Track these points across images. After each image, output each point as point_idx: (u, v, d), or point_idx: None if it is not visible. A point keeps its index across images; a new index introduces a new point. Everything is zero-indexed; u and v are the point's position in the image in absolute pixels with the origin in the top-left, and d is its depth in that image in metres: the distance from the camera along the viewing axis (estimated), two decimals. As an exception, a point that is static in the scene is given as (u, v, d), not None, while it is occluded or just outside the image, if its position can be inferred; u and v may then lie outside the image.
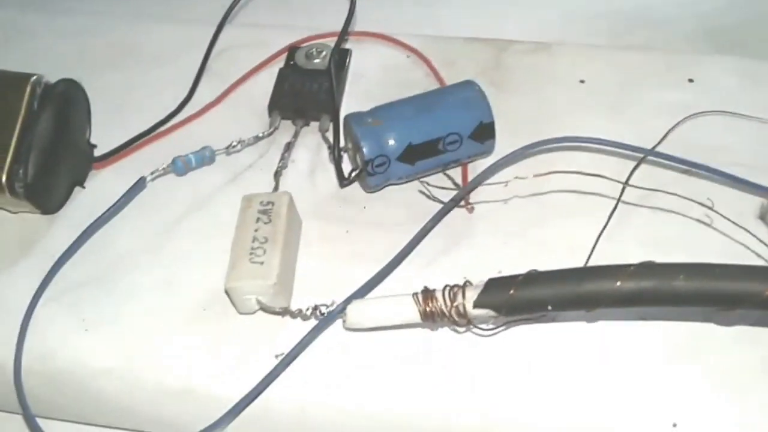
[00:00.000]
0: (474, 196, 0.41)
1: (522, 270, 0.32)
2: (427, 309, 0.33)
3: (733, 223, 0.37)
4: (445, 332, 0.36)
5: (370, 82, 0.48)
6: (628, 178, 0.39)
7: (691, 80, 0.47)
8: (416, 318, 0.33)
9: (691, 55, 0.49)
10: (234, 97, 0.48)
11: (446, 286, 0.33)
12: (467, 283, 0.33)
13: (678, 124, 0.43)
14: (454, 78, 0.44)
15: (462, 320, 0.33)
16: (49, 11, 0.55)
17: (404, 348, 0.36)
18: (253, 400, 0.34)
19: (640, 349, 0.35)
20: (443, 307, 0.33)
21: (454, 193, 0.41)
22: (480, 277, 0.33)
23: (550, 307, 0.31)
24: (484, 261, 0.38)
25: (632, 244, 0.38)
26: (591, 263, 0.36)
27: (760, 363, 0.35)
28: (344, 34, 0.44)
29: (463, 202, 0.41)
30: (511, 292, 0.32)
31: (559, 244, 0.39)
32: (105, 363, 0.36)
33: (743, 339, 0.35)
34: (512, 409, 0.34)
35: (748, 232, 0.37)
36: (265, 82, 0.47)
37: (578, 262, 0.36)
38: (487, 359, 0.35)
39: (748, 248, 0.37)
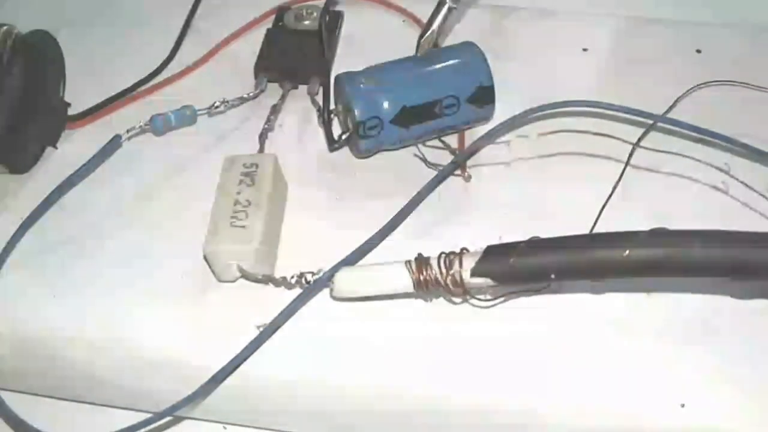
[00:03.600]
0: (472, 165, 0.39)
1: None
2: (421, 277, 0.31)
3: (752, 189, 0.35)
4: (439, 303, 0.33)
5: (362, 46, 0.46)
6: (639, 141, 0.36)
7: (698, 51, 0.45)
8: (409, 287, 0.31)
9: (699, 26, 0.46)
10: (219, 58, 0.45)
11: (442, 253, 0.31)
12: (464, 251, 0.31)
13: (687, 92, 0.40)
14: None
15: (458, 290, 0.31)
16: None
17: (395, 320, 0.33)
18: (231, 372, 0.32)
19: (647, 325, 0.33)
20: (438, 276, 0.31)
21: (450, 159, 0.38)
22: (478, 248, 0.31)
23: (553, 276, 0.29)
24: (482, 231, 0.36)
25: (642, 211, 0.36)
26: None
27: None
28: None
29: (459, 171, 0.39)
30: (512, 259, 0.30)
31: (563, 212, 0.37)
32: (74, 332, 0.33)
33: (760, 312, 0.33)
34: (511, 387, 0.32)
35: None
36: (253, 43, 0.45)
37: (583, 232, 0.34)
38: (485, 333, 0.33)
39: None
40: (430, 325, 0.33)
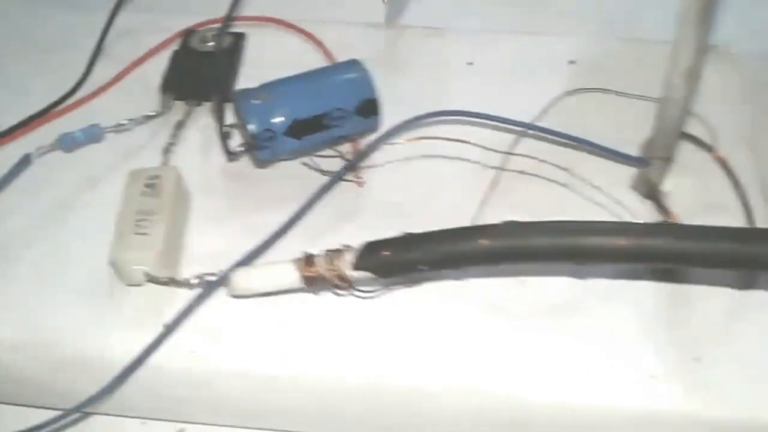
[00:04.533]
0: (367, 171, 0.43)
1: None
2: (308, 274, 0.34)
3: (595, 187, 0.39)
4: (328, 296, 0.37)
5: (264, 65, 0.49)
6: (510, 149, 0.41)
7: (572, 61, 0.49)
8: (298, 283, 0.34)
9: (574, 37, 0.51)
10: (129, 80, 0.48)
11: (327, 250, 0.34)
12: (346, 247, 0.34)
13: (555, 100, 0.45)
14: (347, 61, 0.46)
15: (343, 284, 0.34)
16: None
17: (289, 312, 0.36)
18: (138, 366, 0.34)
19: (520, 308, 0.37)
20: (323, 272, 0.34)
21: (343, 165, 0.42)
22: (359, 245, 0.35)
23: (423, 268, 0.33)
24: (373, 231, 0.39)
25: (509, 208, 0.40)
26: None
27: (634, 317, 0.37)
28: (229, 18, 0.44)
29: (353, 177, 0.42)
30: (388, 253, 0.33)
31: (445, 212, 0.40)
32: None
33: (613, 293, 0.37)
34: (398, 370, 0.35)
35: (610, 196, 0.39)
36: (162, 65, 0.48)
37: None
38: (371, 321, 0.36)
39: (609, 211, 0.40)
40: (320, 317, 0.36)
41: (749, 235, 0.33)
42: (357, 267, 0.34)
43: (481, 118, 0.41)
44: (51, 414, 0.35)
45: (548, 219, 0.33)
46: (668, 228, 0.34)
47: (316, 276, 0.34)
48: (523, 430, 0.36)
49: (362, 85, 0.42)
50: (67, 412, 0.34)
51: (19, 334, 0.36)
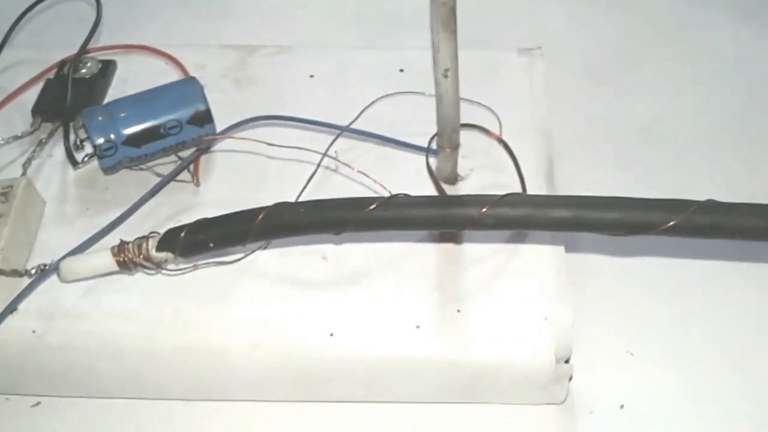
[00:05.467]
0: (203, 173, 0.49)
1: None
2: (120, 258, 0.40)
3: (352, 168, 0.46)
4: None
5: (130, 87, 0.55)
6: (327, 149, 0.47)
7: (402, 70, 0.56)
8: (114, 267, 0.41)
9: (404, 50, 0.57)
10: (9, 108, 0.54)
11: (136, 238, 0.41)
12: (152, 233, 0.41)
13: (372, 103, 0.51)
14: (204, 79, 0.52)
15: (150, 264, 0.40)
16: None
17: (113, 292, 0.43)
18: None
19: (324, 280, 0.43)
20: (133, 256, 0.40)
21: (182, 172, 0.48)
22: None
23: (211, 245, 0.39)
24: None
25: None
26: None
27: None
28: (84, 46, 0.51)
29: (190, 178, 0.48)
30: (182, 235, 0.39)
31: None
32: None
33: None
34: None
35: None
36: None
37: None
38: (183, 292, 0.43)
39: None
40: (134, 292, 0.43)
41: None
42: (159, 249, 0.40)
43: (299, 121, 0.48)
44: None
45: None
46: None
47: (126, 260, 0.40)
48: (311, 380, 0.42)
49: (194, 98, 0.48)
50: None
51: None
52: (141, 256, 0.40)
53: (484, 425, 0.43)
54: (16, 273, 0.43)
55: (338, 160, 0.46)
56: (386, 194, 0.41)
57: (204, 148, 0.48)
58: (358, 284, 0.43)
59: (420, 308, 0.42)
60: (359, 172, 0.45)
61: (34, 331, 0.42)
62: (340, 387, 0.43)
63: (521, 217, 0.38)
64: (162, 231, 0.44)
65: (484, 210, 0.37)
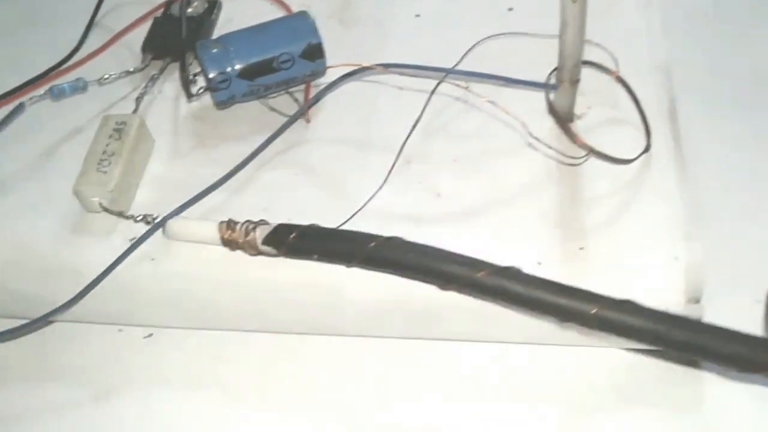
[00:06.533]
0: (314, 110, 0.48)
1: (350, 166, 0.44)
2: (226, 236, 0.40)
3: (488, 101, 0.45)
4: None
5: (235, 26, 0.54)
6: (433, 91, 0.46)
7: (510, 9, 0.54)
8: (219, 242, 0.41)
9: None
10: (118, 46, 0.55)
11: (247, 221, 0.40)
12: (261, 222, 0.40)
13: (475, 45, 0.49)
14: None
15: (252, 251, 0.40)
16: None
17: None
18: (107, 275, 0.41)
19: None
20: (238, 239, 0.40)
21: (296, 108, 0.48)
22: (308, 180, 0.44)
23: (315, 257, 0.39)
24: (318, 161, 0.46)
25: (438, 131, 0.46)
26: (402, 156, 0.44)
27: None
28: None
29: (304, 116, 0.48)
30: (291, 237, 0.39)
31: (380, 142, 0.46)
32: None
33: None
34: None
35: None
36: (146, 32, 0.54)
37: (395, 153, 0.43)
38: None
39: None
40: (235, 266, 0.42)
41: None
42: (264, 242, 0.40)
43: (414, 68, 0.47)
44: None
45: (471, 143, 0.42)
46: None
47: (231, 240, 0.40)
48: (424, 318, 0.42)
49: (307, 32, 0.48)
50: (46, 316, 0.41)
51: (4, 252, 0.43)
52: (246, 242, 0.40)
53: (605, 368, 0.41)
54: (122, 216, 0.43)
55: (469, 91, 0.45)
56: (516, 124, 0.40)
57: (327, 87, 0.47)
58: (475, 220, 0.42)
59: (541, 245, 0.40)
60: (489, 102, 0.44)
61: (153, 259, 0.42)
62: (453, 325, 0.42)
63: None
64: (278, 170, 0.44)
65: (594, 311, 0.35)
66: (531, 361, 0.43)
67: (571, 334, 0.40)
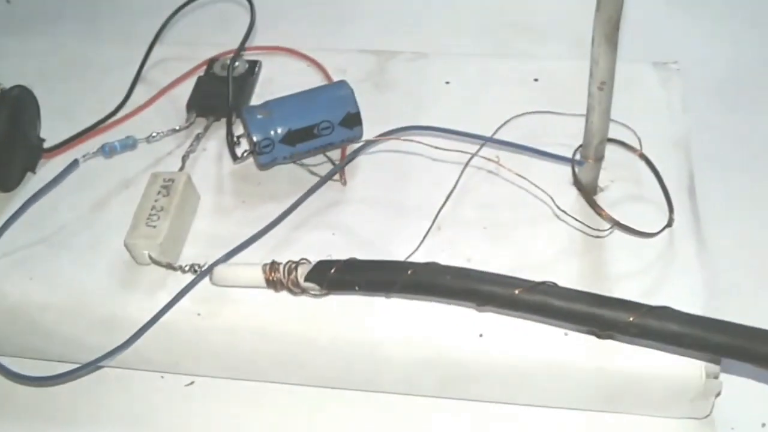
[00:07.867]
0: (350, 173, 0.51)
1: (378, 234, 0.46)
2: (270, 277, 0.43)
3: (518, 175, 0.47)
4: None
5: (275, 86, 0.58)
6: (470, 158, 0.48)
7: (536, 79, 0.57)
8: (263, 283, 0.43)
9: (539, 60, 0.59)
10: (163, 101, 0.58)
11: (289, 261, 0.43)
12: (303, 260, 0.43)
13: (511, 119, 0.52)
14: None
15: (296, 289, 0.43)
16: (20, 34, 0.66)
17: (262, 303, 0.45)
18: (152, 325, 0.44)
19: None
20: (282, 278, 0.43)
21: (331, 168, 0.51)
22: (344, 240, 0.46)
23: (357, 288, 0.42)
24: (354, 218, 0.49)
25: (470, 202, 0.49)
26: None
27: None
28: (241, 47, 0.54)
29: (338, 177, 0.51)
30: (332, 271, 0.42)
31: (413, 207, 0.49)
32: (46, 300, 0.46)
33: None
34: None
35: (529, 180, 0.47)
36: (189, 88, 0.57)
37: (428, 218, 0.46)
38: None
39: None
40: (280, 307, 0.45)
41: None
42: (307, 279, 0.42)
43: (447, 132, 0.49)
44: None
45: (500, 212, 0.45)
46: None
47: (275, 281, 0.43)
48: (457, 379, 0.44)
49: (346, 101, 0.51)
50: (92, 363, 0.44)
51: (56, 297, 0.46)
52: (289, 281, 0.42)
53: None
54: (170, 267, 0.46)
55: (500, 164, 0.48)
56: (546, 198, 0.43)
57: (358, 149, 0.50)
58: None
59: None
60: (518, 175, 0.46)
61: (199, 314, 0.45)
62: (483, 388, 0.44)
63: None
64: (316, 227, 0.47)
65: (631, 319, 0.38)
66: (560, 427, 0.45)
67: (597, 401, 0.43)
